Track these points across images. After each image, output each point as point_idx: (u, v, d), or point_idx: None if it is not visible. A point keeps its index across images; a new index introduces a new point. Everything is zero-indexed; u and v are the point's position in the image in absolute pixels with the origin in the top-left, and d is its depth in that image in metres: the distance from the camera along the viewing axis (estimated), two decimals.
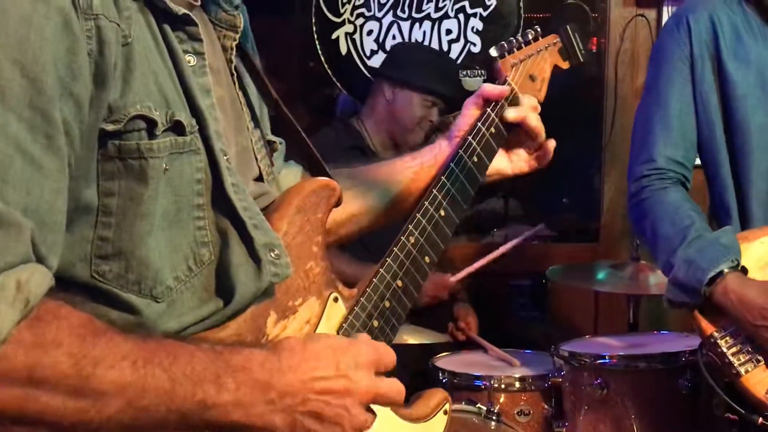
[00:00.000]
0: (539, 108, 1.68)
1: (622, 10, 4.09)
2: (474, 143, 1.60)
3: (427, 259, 1.48)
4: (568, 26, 1.83)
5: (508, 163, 1.70)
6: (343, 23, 4.22)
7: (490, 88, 1.65)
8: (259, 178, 1.38)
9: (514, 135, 1.67)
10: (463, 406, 2.71)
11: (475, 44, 4.20)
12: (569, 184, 4.66)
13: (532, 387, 2.86)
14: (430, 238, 1.49)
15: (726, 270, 2.17)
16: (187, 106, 1.18)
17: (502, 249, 3.40)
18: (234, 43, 1.35)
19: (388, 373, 1.28)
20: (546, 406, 2.86)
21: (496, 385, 2.83)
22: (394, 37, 4.21)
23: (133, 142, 1.11)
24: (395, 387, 1.24)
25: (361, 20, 4.21)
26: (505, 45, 1.72)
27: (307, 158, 1.49)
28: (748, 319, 2.14)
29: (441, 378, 2.91)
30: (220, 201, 1.20)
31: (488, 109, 1.63)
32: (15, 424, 0.98)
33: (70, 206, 1.07)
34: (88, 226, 1.11)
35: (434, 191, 1.53)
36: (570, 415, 2.80)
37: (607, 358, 2.74)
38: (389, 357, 1.25)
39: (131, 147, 1.11)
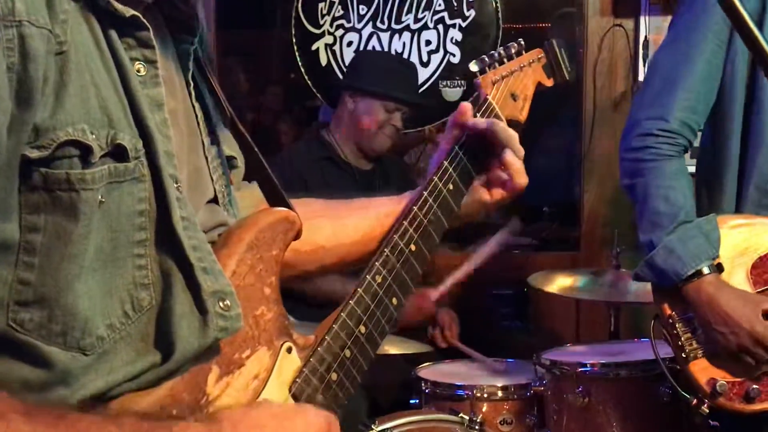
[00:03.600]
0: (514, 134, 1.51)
1: (599, 20, 4.12)
2: (450, 169, 1.46)
3: (394, 300, 1.33)
4: (554, 41, 1.72)
5: (486, 192, 1.52)
6: (322, 35, 4.23)
7: (456, 111, 1.51)
8: (214, 202, 1.22)
9: (489, 161, 1.52)
10: (445, 415, 2.71)
11: (454, 55, 4.22)
12: (549, 193, 4.68)
13: (515, 396, 2.87)
14: (398, 277, 1.34)
15: (705, 271, 2.20)
16: (134, 124, 1.01)
17: (478, 258, 3.40)
18: (191, 48, 1.18)
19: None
20: (528, 415, 2.86)
21: (478, 395, 2.84)
22: (373, 48, 4.22)
23: (62, 171, 0.94)
24: None
25: (340, 31, 4.22)
26: (486, 59, 1.59)
27: (264, 183, 1.31)
28: (710, 320, 2.19)
29: (423, 388, 2.91)
30: (166, 237, 1.03)
31: (465, 132, 1.50)
32: None
33: None
34: (7, 266, 0.94)
35: (405, 224, 1.38)
36: (552, 424, 2.81)
37: (588, 366, 2.76)
38: (337, 427, 1.13)
39: (59, 177, 0.94)
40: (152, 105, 1.05)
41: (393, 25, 4.22)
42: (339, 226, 1.47)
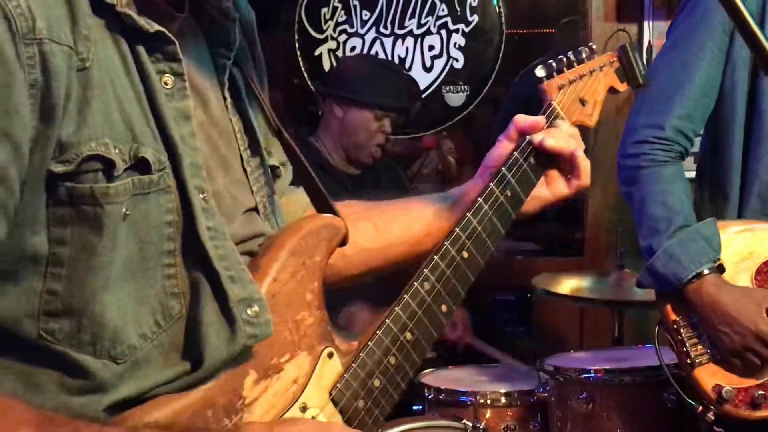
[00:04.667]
0: (578, 135, 1.51)
1: (603, 24, 4.11)
2: (508, 176, 1.42)
3: (444, 307, 1.30)
4: (627, 45, 1.65)
5: (546, 189, 1.50)
6: (326, 40, 4.23)
7: (523, 120, 1.47)
8: (255, 212, 1.22)
9: (552, 162, 1.49)
10: (448, 422, 2.70)
11: (457, 60, 4.22)
12: None
13: (518, 402, 2.85)
14: (448, 284, 1.31)
15: (705, 272, 2.20)
16: (159, 137, 1.04)
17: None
18: (228, 62, 1.19)
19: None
20: (532, 422, 2.85)
21: (482, 401, 2.82)
22: (377, 54, 4.22)
23: (86, 186, 0.97)
24: None
25: (344, 36, 4.23)
26: (553, 65, 1.54)
27: (310, 189, 1.31)
28: (713, 321, 2.18)
29: (426, 394, 2.90)
30: (193, 247, 1.05)
31: (528, 137, 1.46)
32: None
33: (15, 256, 0.96)
34: (37, 278, 0.97)
35: (457, 230, 1.35)
36: (556, 430, 2.80)
37: (592, 372, 2.74)
38: None
39: (84, 191, 0.97)
40: (179, 117, 1.06)
41: (396, 31, 4.22)
42: (383, 227, 1.45)
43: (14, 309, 0.97)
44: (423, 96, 4.29)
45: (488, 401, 2.84)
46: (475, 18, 4.20)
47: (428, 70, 4.22)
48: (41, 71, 0.93)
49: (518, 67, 4.52)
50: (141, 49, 1.04)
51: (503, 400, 2.85)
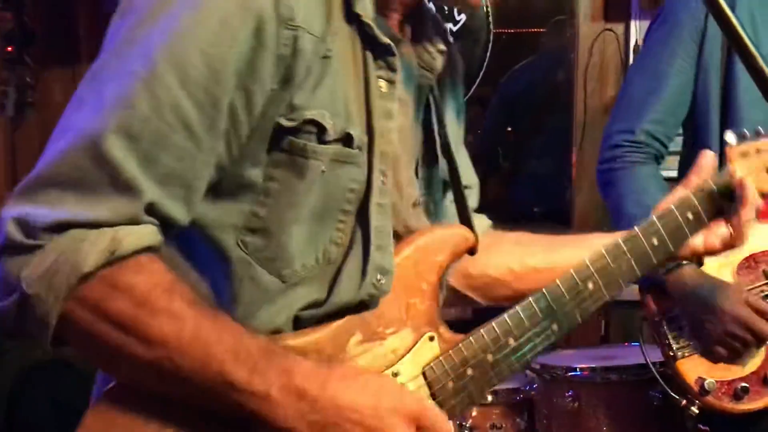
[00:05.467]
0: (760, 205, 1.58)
1: (590, 24, 4.13)
2: (658, 224, 1.50)
3: (554, 326, 1.37)
4: None
5: (702, 239, 1.58)
6: None
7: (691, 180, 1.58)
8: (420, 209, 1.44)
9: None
10: None
11: None
12: (541, 197, 4.68)
13: (505, 400, 2.86)
14: (564, 307, 1.38)
15: (684, 261, 2.20)
16: (365, 124, 1.30)
17: None
18: (429, 83, 1.44)
19: None
20: (519, 420, 2.86)
21: None
22: None
23: (302, 142, 1.24)
24: None
25: None
26: (746, 133, 1.62)
27: (457, 205, 1.50)
28: (694, 310, 2.21)
29: None
30: (362, 214, 1.31)
31: (691, 193, 1.54)
32: (91, 343, 1.17)
33: (236, 181, 1.24)
34: (247, 201, 1.25)
35: (586, 261, 1.42)
36: (542, 429, 2.81)
37: (578, 370, 2.76)
38: (439, 423, 1.25)
39: (299, 145, 1.24)
40: (384, 114, 1.32)
41: None
42: (535, 260, 1.61)
43: (224, 218, 1.25)
44: None
45: None
46: (463, 17, 4.20)
47: None
48: (291, 50, 1.20)
49: (506, 67, 4.53)
50: (369, 55, 1.31)
51: (489, 397, 2.84)
